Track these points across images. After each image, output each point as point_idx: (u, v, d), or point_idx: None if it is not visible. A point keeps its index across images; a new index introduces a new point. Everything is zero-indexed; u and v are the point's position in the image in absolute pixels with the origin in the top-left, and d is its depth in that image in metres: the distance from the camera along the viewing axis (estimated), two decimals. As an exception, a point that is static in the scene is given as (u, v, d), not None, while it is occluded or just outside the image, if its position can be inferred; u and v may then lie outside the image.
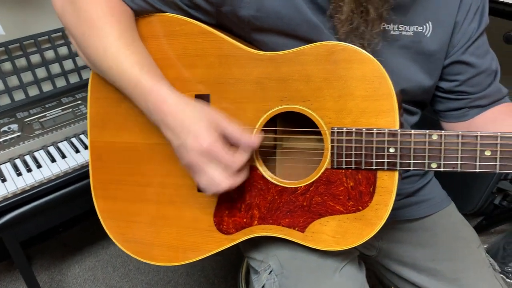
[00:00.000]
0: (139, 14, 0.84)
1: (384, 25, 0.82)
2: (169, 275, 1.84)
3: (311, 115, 0.75)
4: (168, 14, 0.82)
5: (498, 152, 0.65)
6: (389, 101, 0.70)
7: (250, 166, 0.80)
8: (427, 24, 0.83)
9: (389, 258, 0.97)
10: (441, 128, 0.96)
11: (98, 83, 0.87)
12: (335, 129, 0.73)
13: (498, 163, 0.65)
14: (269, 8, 0.79)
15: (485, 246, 1.88)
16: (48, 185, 1.31)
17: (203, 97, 0.81)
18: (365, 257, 1.01)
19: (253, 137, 0.73)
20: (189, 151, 0.71)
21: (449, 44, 0.86)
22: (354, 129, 0.72)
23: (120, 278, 1.83)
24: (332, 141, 0.74)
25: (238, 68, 0.79)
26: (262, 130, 0.79)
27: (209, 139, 0.70)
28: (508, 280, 1.76)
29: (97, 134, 0.90)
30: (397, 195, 0.96)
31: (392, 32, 0.82)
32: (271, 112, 0.78)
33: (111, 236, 0.92)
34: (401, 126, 0.75)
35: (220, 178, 0.71)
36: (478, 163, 0.66)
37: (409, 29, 0.83)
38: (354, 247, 0.91)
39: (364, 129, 0.71)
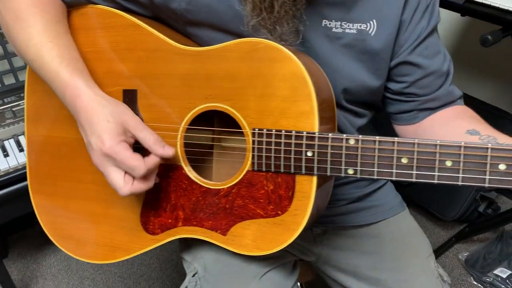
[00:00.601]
0: (72, 5, 0.82)
1: (325, 21, 0.78)
2: (143, 269, 1.84)
3: (235, 114, 0.72)
4: (100, 6, 0.80)
5: (415, 160, 0.61)
6: (308, 102, 0.67)
7: (175, 165, 0.77)
8: (371, 22, 0.79)
9: (328, 265, 0.94)
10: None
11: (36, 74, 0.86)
12: (256, 130, 0.70)
13: (414, 172, 0.62)
14: (200, 2, 0.76)
15: (465, 254, 1.84)
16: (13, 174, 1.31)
17: (131, 92, 0.79)
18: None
19: (165, 149, 0.71)
20: (93, 151, 0.70)
21: (396, 44, 0.82)
22: (274, 130, 0.69)
23: (94, 270, 1.83)
24: (253, 142, 0.71)
25: (165, 63, 0.76)
26: (188, 128, 0.77)
27: (111, 142, 0.68)
28: (485, 289, 1.72)
29: (33, 128, 0.89)
30: (341, 200, 0.95)
31: (334, 30, 0.79)
32: (196, 111, 0.75)
33: (46, 232, 0.90)
34: (330, 129, 0.72)
35: (120, 183, 0.69)
36: (394, 170, 0.63)
37: (353, 26, 0.79)
38: (290, 252, 0.90)
39: (283, 131, 0.68)
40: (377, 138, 0.63)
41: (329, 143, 0.66)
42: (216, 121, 0.83)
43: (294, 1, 0.72)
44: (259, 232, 0.72)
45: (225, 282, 0.79)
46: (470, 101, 1.95)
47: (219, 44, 0.73)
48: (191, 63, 0.75)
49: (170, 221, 0.79)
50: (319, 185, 0.69)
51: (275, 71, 0.69)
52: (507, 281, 1.67)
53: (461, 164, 0.59)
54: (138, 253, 0.82)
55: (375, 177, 0.64)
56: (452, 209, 1.90)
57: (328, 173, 0.66)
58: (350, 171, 0.65)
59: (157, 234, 0.80)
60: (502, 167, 0.57)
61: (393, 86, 0.86)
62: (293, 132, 0.68)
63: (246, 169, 0.72)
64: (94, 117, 0.70)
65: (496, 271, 1.72)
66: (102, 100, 0.72)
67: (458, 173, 0.59)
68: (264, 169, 0.71)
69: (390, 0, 0.79)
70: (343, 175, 0.66)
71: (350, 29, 0.79)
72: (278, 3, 0.70)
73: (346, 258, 0.92)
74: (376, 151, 0.63)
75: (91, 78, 0.76)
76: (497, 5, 1.28)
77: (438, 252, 1.85)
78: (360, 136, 0.64)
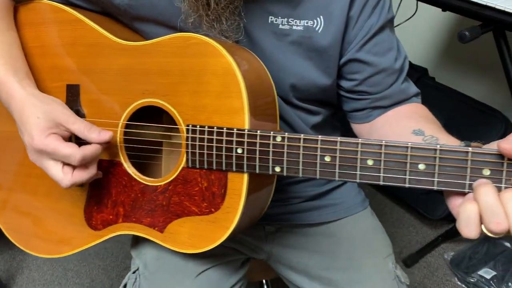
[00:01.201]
0: (19, 1, 0.82)
1: (271, 18, 0.77)
2: (127, 262, 1.85)
3: (170, 110, 0.72)
4: (45, 1, 0.80)
5: (337, 158, 0.60)
6: (239, 99, 0.66)
7: (115, 162, 0.77)
8: (318, 19, 0.78)
9: (280, 263, 0.93)
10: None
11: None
12: (190, 127, 0.70)
13: (337, 170, 0.60)
14: None
15: (451, 254, 1.81)
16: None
17: (74, 87, 0.79)
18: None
19: (100, 134, 0.71)
20: (27, 149, 0.71)
21: (344, 41, 0.80)
22: (206, 127, 0.68)
23: (78, 262, 1.84)
24: (187, 138, 0.70)
25: (104, 58, 0.76)
26: (127, 124, 0.76)
27: (39, 136, 0.69)
28: (469, 290, 1.69)
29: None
30: (296, 197, 0.93)
31: (281, 26, 0.78)
32: (134, 106, 0.75)
33: (-1, 224, 0.91)
34: (271, 127, 0.71)
35: (59, 174, 0.69)
36: (318, 169, 0.61)
37: (300, 23, 0.78)
38: (238, 250, 0.89)
39: (215, 128, 0.68)
40: (302, 136, 0.62)
41: (258, 140, 0.65)
42: (164, 116, 0.83)
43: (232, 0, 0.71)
44: (194, 229, 0.72)
45: (162, 279, 0.78)
46: (462, 99, 1.93)
47: (155, 39, 0.72)
48: (129, 58, 0.74)
49: (111, 217, 0.79)
50: (251, 183, 0.68)
51: (207, 67, 0.68)
52: (491, 282, 1.64)
53: (382, 163, 0.57)
54: (82, 248, 0.82)
55: (300, 175, 0.63)
56: (438, 208, 1.87)
57: (257, 171, 0.66)
58: (277, 169, 0.64)
59: (100, 229, 0.80)
60: (421, 166, 0.55)
61: (344, 84, 0.85)
62: (224, 128, 0.67)
63: (182, 166, 0.72)
64: (24, 117, 0.71)
65: (481, 272, 1.69)
66: (33, 99, 0.72)
67: (379, 172, 0.58)
68: (197, 166, 0.70)
69: None
70: (270, 172, 0.65)
71: (297, 25, 0.78)
72: (215, 1, 0.70)
73: (297, 257, 0.91)
74: (301, 149, 0.62)
75: (29, 76, 0.76)
76: (475, 0, 1.25)
77: (424, 251, 1.83)
78: (287, 133, 0.63)
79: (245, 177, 0.67)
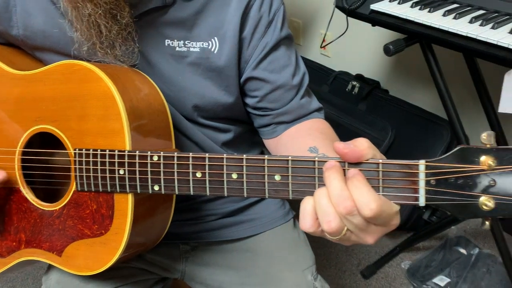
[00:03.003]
0: None
1: (168, 41, 0.80)
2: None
3: (60, 135, 0.73)
4: None
5: (207, 174, 0.62)
6: (118, 121, 0.68)
7: (14, 189, 0.78)
8: (213, 40, 0.81)
9: (194, 281, 0.93)
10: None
11: None
12: (77, 150, 0.71)
13: (207, 186, 0.62)
14: (34, 27, 0.78)
15: (408, 263, 1.81)
16: None
17: None
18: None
19: None
20: None
21: (241, 60, 0.83)
22: (91, 150, 0.70)
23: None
24: (75, 162, 0.72)
25: (1, 87, 0.78)
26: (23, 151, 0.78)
27: None
28: (424, 297, 1.69)
29: None
30: (211, 215, 0.95)
31: (178, 49, 0.80)
32: (28, 133, 0.76)
33: None
34: (165, 146, 0.72)
35: None
36: (191, 185, 0.63)
37: (196, 45, 0.80)
38: (148, 270, 0.89)
39: (99, 150, 0.69)
40: (176, 154, 0.64)
41: (137, 160, 0.66)
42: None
43: (124, 26, 0.73)
44: (88, 252, 0.73)
45: (61, 303, 0.79)
46: (410, 109, 1.96)
47: (44, 67, 0.75)
48: (23, 87, 0.76)
49: (14, 243, 0.79)
50: (140, 203, 0.70)
51: (90, 92, 0.70)
52: (445, 289, 1.65)
53: (244, 176, 0.59)
54: (-10, 276, 0.82)
55: (177, 192, 0.64)
56: (393, 218, 1.88)
57: (139, 190, 0.67)
58: (156, 188, 0.66)
59: (5, 256, 0.81)
60: (277, 178, 0.57)
61: (248, 101, 0.87)
62: (107, 151, 0.68)
63: (73, 189, 0.73)
64: None
65: (435, 280, 1.70)
66: None
67: (243, 185, 0.59)
68: (86, 189, 0.71)
69: (228, 18, 0.79)
70: (150, 192, 0.66)
71: (194, 47, 0.80)
72: (107, 28, 0.72)
73: (212, 274, 0.92)
74: (175, 166, 0.64)
75: None
76: (396, 15, 1.29)
77: (381, 261, 1.83)
78: (162, 152, 0.65)
79: (129, 197, 0.68)
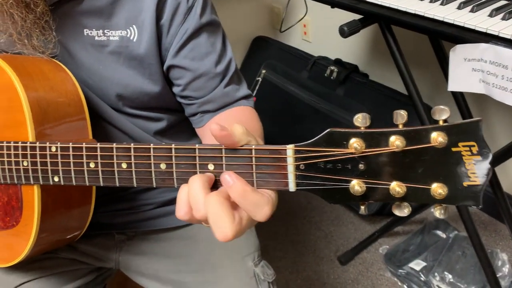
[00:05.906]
0: None
1: (86, 31, 0.79)
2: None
3: None
4: None
5: (99, 164, 0.61)
6: (21, 113, 0.67)
7: None
8: (131, 28, 0.79)
9: (129, 270, 0.93)
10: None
11: None
12: (-14, 144, 0.71)
13: (100, 176, 0.61)
14: None
15: (386, 248, 1.80)
16: None
17: None
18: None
19: None
20: None
21: (162, 48, 0.81)
22: (-3, 142, 0.69)
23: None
24: (-15, 155, 0.71)
25: None
26: None
27: None
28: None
29: None
30: (148, 204, 0.94)
31: (97, 38, 0.79)
32: None
33: None
34: (80, 137, 0.72)
35: None
36: (86, 176, 0.62)
37: (115, 34, 0.79)
38: (79, 260, 0.89)
39: (5, 143, 0.69)
40: (71, 144, 0.63)
41: (37, 152, 0.66)
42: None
43: (40, 15, 0.72)
44: (2, 243, 0.73)
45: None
46: (388, 93, 1.93)
47: None
48: None
49: None
50: (49, 195, 0.69)
51: (-5, 83, 0.69)
52: (420, 273, 1.63)
53: (133, 165, 0.58)
54: None
55: (74, 183, 0.63)
56: (370, 204, 1.87)
57: (41, 182, 0.66)
58: (56, 179, 0.65)
59: None
60: (163, 166, 0.56)
61: (174, 89, 0.86)
62: (12, 143, 0.68)
63: (-15, 183, 0.73)
64: None
65: (411, 264, 1.68)
66: None
67: (132, 175, 0.58)
68: (-5, 181, 0.71)
69: (146, 6, 0.78)
70: (51, 183, 0.65)
71: (113, 36, 0.79)
72: (21, 18, 0.71)
73: (147, 263, 0.91)
74: (71, 157, 0.63)
75: None
76: (354, -5, 1.26)
77: (359, 247, 1.82)
78: (59, 143, 0.64)
79: (35, 188, 0.68)
